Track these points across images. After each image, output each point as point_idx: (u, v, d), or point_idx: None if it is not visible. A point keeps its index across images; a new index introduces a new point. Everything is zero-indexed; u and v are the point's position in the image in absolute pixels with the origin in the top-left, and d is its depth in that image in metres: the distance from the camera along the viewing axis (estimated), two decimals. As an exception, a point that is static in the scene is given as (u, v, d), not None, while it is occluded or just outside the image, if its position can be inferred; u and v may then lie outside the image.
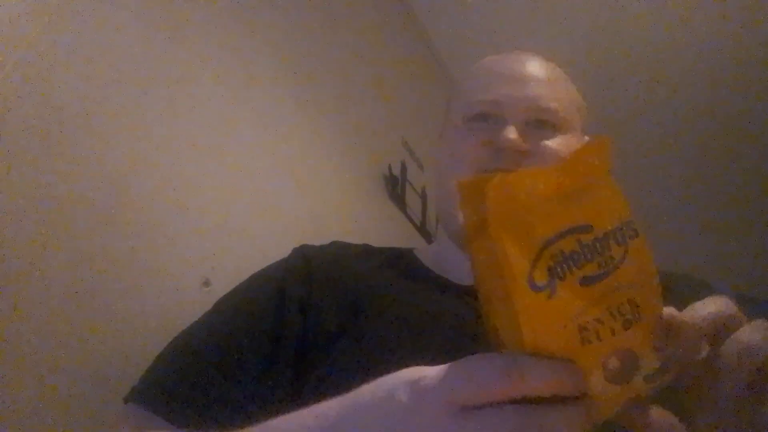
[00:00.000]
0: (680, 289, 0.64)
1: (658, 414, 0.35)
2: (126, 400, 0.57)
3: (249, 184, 1.04)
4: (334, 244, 0.74)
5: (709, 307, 0.36)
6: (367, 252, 0.73)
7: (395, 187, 1.62)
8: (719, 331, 0.36)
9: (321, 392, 0.54)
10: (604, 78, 2.19)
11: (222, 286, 0.69)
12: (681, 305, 0.60)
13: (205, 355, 0.57)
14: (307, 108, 1.29)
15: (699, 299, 0.63)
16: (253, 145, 1.09)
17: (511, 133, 0.62)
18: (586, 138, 0.74)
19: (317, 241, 0.76)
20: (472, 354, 0.53)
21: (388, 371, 0.53)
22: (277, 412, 0.55)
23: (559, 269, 0.34)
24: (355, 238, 0.80)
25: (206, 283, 0.86)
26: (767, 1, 1.84)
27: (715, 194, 2.57)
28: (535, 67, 0.69)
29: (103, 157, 0.77)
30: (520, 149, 0.62)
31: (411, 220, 1.68)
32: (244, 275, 0.70)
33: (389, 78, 1.78)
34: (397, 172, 1.63)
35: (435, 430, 0.31)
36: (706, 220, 2.65)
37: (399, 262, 0.70)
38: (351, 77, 1.54)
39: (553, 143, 0.64)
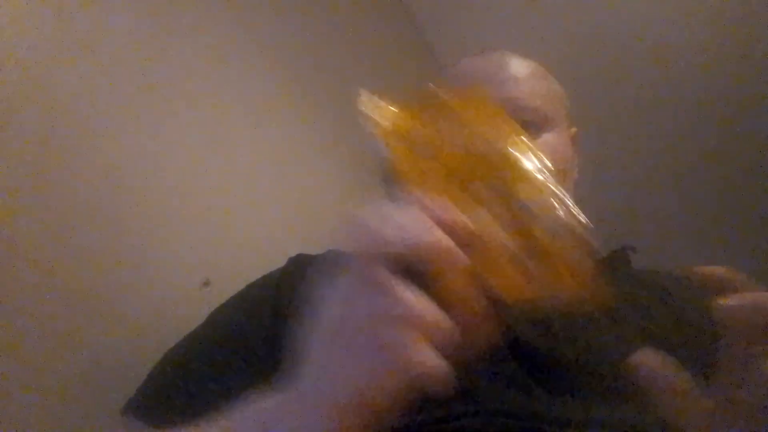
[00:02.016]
0: (679, 289, 0.64)
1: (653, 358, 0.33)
2: (122, 413, 0.57)
3: (248, 183, 1.04)
4: (329, 252, 0.74)
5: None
6: None
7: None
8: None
9: None
10: (602, 74, 2.18)
11: (222, 286, 0.69)
12: (681, 305, 0.60)
13: (199, 368, 0.57)
14: (306, 107, 1.29)
15: (699, 300, 0.63)
16: (252, 144, 1.09)
17: None
18: (573, 129, 0.74)
19: (316, 241, 0.76)
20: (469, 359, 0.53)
21: None
22: None
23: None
24: (354, 238, 0.80)
25: (206, 283, 0.86)
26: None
27: (715, 194, 2.57)
28: (513, 66, 0.68)
29: (102, 157, 0.77)
30: None
31: (411, 220, 1.68)
32: (244, 275, 0.70)
33: (388, 77, 1.78)
34: (397, 172, 1.63)
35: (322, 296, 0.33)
36: (707, 220, 2.64)
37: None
38: (349, 76, 1.54)
39: (539, 144, 0.64)
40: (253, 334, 0.59)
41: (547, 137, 0.65)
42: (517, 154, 0.38)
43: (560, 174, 0.66)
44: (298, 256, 0.71)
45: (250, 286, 0.68)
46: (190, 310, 0.67)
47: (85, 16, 0.78)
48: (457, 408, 0.47)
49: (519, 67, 0.69)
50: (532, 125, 0.64)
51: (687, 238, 2.68)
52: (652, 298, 0.62)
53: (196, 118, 0.96)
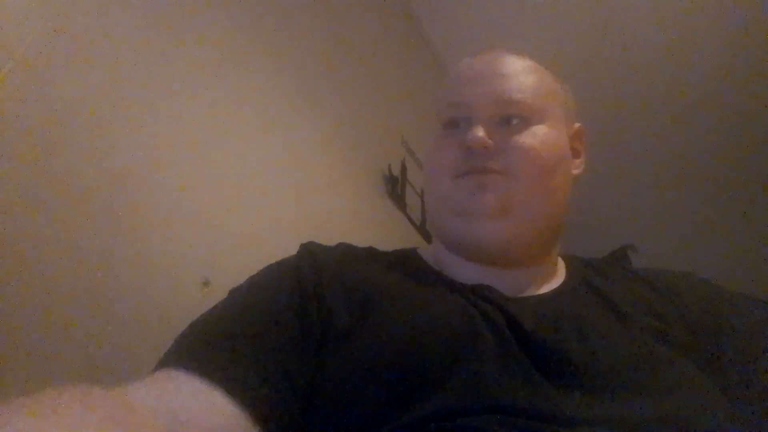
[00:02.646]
0: (683, 287, 0.64)
1: None
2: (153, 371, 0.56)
3: (249, 184, 1.04)
4: (341, 245, 0.74)
5: None
6: (372, 254, 0.73)
7: (395, 186, 1.62)
8: None
9: (330, 391, 0.54)
10: (603, 73, 2.19)
11: (222, 286, 0.69)
12: (685, 303, 0.61)
13: (229, 326, 0.56)
14: (307, 108, 1.29)
15: (703, 298, 0.63)
16: (253, 145, 1.09)
17: (478, 131, 0.63)
18: (577, 125, 0.75)
19: (317, 241, 0.76)
20: (477, 352, 0.53)
21: (396, 371, 0.53)
22: (293, 405, 0.54)
23: None
24: (354, 238, 0.80)
25: (206, 283, 0.86)
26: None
27: (716, 193, 2.57)
28: (501, 63, 0.70)
29: (102, 158, 0.77)
30: (486, 146, 0.63)
31: (411, 220, 1.68)
32: (244, 275, 0.69)
33: (389, 78, 1.78)
34: (397, 172, 1.63)
35: None
36: (706, 220, 2.65)
37: (405, 262, 0.71)
38: (351, 77, 1.54)
39: (523, 137, 0.65)
40: (281, 300, 0.58)
41: (537, 129, 0.67)
42: None
43: (551, 167, 0.66)
44: (309, 243, 0.71)
45: (267, 267, 0.67)
46: (190, 310, 0.67)
47: (89, 17, 0.78)
48: (465, 404, 0.47)
49: (508, 64, 0.71)
50: (518, 118, 0.66)
51: (686, 239, 2.69)
52: (657, 297, 0.62)
53: (197, 119, 0.96)
